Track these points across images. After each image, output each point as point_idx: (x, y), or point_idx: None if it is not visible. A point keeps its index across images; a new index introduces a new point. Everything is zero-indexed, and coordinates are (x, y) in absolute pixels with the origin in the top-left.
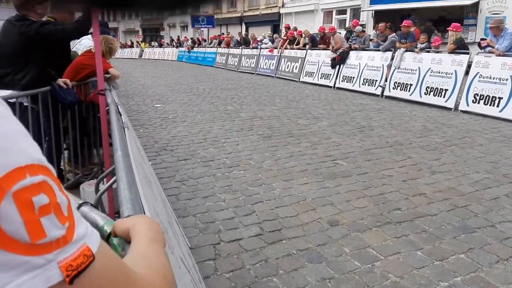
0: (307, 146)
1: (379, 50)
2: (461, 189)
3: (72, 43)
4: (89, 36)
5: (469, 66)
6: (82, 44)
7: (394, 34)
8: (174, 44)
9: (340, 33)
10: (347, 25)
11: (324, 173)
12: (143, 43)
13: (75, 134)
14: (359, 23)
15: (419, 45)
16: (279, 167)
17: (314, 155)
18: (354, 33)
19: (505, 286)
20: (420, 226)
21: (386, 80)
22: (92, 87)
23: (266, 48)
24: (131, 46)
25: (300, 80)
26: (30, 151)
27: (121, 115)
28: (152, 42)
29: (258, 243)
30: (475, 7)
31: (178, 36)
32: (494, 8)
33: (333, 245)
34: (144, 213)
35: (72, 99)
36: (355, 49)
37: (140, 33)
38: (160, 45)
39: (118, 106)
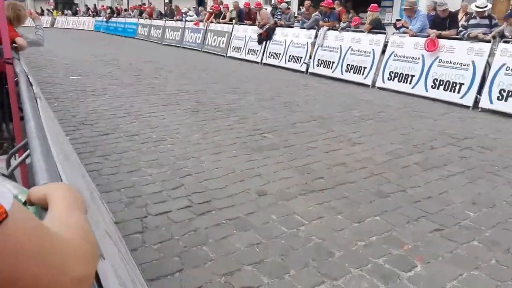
0: (235, 120)
1: (304, 28)
2: (376, 159)
3: None
4: None
5: (385, 46)
6: None
7: (317, 12)
8: (91, 13)
9: (266, 9)
10: (272, 1)
11: (252, 146)
12: (54, 11)
13: None
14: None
15: (341, 24)
16: (207, 141)
17: (242, 129)
18: (279, 9)
19: (415, 243)
20: (341, 192)
21: (310, 57)
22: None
23: (191, 21)
24: (41, 14)
25: (227, 55)
26: None
27: (31, 85)
28: (65, 11)
29: (187, 215)
30: None
31: (95, 5)
32: None
33: (260, 213)
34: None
35: None
36: (281, 25)
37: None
38: (75, 13)
39: (28, 76)
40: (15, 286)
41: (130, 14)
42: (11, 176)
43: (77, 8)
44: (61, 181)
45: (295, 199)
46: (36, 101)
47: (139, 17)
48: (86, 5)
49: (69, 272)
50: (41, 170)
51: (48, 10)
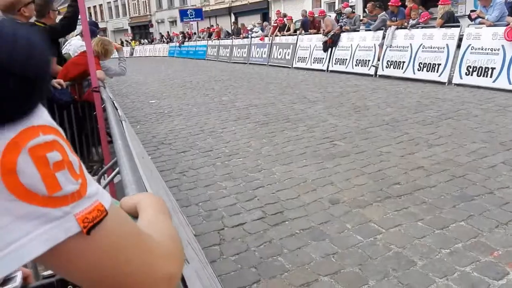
0: (304, 130)
1: (370, 30)
2: (458, 160)
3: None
4: (79, 36)
5: (460, 39)
6: (72, 45)
7: (384, 12)
8: (164, 40)
9: (330, 16)
10: (336, 8)
11: (322, 155)
12: (133, 41)
13: (72, 134)
14: (349, 4)
15: (410, 21)
16: (277, 152)
17: (311, 138)
18: (344, 15)
19: (506, 249)
20: (419, 198)
21: (378, 60)
22: (87, 87)
23: (257, 36)
24: (121, 44)
25: (293, 66)
26: (42, 114)
27: (117, 109)
28: (142, 40)
29: (261, 226)
30: None
31: (168, 32)
32: None
33: (335, 222)
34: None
35: (68, 99)
36: (346, 30)
37: (129, 31)
38: (151, 42)
39: (114, 101)
40: (109, 282)
41: (199, 37)
42: None
43: (153, 37)
44: (143, 183)
45: (370, 206)
46: (122, 123)
47: (208, 39)
48: (160, 33)
49: (160, 271)
50: (130, 183)
51: (127, 41)
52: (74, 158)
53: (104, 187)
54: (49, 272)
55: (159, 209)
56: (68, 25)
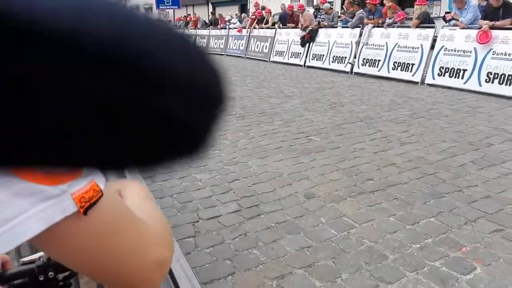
0: (280, 124)
1: (347, 27)
2: (429, 158)
3: None
4: None
5: (434, 40)
6: None
7: (361, 10)
8: None
9: (308, 11)
10: (315, 3)
11: (298, 149)
12: None
13: None
14: (327, 0)
15: (387, 20)
16: (253, 146)
17: (287, 132)
18: (322, 10)
19: (473, 245)
20: (392, 194)
21: (355, 57)
22: None
23: (234, 28)
24: None
25: (270, 59)
26: None
27: None
28: None
29: (237, 219)
30: None
31: None
32: None
33: (310, 216)
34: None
35: None
36: (324, 26)
37: None
38: None
39: None
40: (101, 265)
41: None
42: None
43: None
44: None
45: (344, 201)
46: None
47: (184, 27)
48: None
49: (152, 255)
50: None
51: None
52: None
53: None
54: (29, 258)
55: (143, 195)
56: None
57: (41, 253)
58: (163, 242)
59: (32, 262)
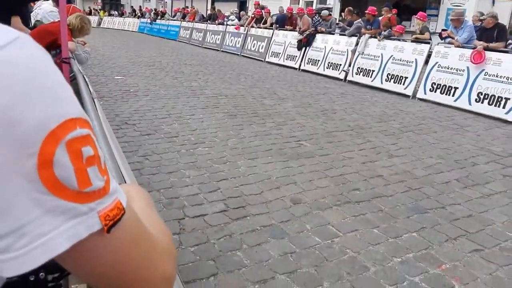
0: (272, 126)
1: (344, 35)
2: (415, 173)
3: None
4: (50, 1)
5: (429, 56)
6: (42, 9)
7: (360, 19)
8: (136, 14)
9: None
10: (314, 7)
11: (288, 153)
12: (101, 11)
13: None
14: (325, 6)
15: (382, 33)
16: (244, 146)
17: (278, 135)
18: (317, 15)
19: (453, 263)
20: (377, 205)
21: (350, 65)
22: (54, 56)
23: (232, 25)
24: (89, 13)
25: (266, 60)
26: (77, 104)
27: (88, 85)
28: (112, 11)
29: (222, 219)
30: None
31: (140, 6)
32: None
33: (295, 222)
34: (124, 180)
35: None
36: (322, 32)
37: (99, 0)
38: (121, 15)
39: (85, 76)
40: (115, 280)
41: (171, 17)
42: None
43: (123, 9)
44: (125, 181)
45: (330, 209)
46: (94, 101)
47: (182, 20)
48: (132, 7)
49: (161, 269)
50: (109, 169)
51: (96, 9)
52: (101, 153)
53: None
54: None
55: (146, 203)
56: None
57: None
58: (169, 255)
59: None
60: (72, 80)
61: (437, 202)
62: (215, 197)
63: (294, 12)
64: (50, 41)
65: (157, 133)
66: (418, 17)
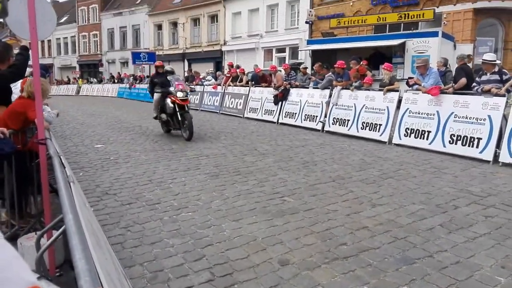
0: (255, 184)
1: (318, 88)
2: (399, 221)
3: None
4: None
5: (400, 101)
6: (17, 88)
7: (330, 73)
8: (115, 80)
9: (281, 71)
10: (286, 62)
11: (272, 211)
12: (80, 79)
13: (12, 186)
14: (298, 61)
15: (353, 84)
16: (227, 207)
17: (261, 192)
18: (292, 72)
19: None
20: (365, 260)
21: (325, 116)
22: (30, 133)
23: (209, 85)
24: (68, 82)
25: (245, 116)
26: (24, 275)
27: (64, 167)
28: (91, 78)
29: None
30: (402, 46)
31: (119, 73)
32: (419, 47)
33: (284, 286)
34: (100, 282)
35: (9, 150)
36: (296, 86)
37: (77, 69)
38: (100, 81)
39: (61, 157)
40: None
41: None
42: (40, 259)
43: (102, 76)
44: (99, 278)
45: (319, 268)
46: (70, 185)
47: None
48: (110, 73)
49: None
50: (83, 271)
51: (75, 78)
52: None
53: (45, 250)
54: None
55: None
56: (18, 73)
57: None
58: None
59: None
60: (48, 159)
61: (424, 250)
62: (200, 266)
63: (264, 70)
64: (23, 120)
65: (139, 201)
66: (385, 67)
